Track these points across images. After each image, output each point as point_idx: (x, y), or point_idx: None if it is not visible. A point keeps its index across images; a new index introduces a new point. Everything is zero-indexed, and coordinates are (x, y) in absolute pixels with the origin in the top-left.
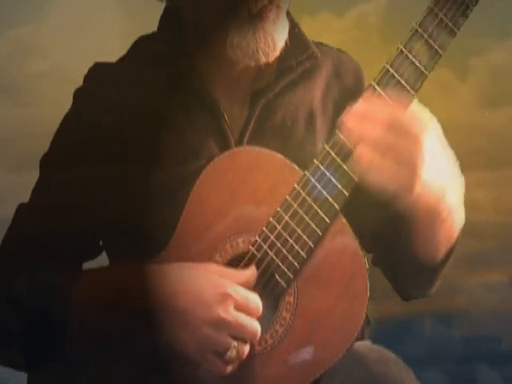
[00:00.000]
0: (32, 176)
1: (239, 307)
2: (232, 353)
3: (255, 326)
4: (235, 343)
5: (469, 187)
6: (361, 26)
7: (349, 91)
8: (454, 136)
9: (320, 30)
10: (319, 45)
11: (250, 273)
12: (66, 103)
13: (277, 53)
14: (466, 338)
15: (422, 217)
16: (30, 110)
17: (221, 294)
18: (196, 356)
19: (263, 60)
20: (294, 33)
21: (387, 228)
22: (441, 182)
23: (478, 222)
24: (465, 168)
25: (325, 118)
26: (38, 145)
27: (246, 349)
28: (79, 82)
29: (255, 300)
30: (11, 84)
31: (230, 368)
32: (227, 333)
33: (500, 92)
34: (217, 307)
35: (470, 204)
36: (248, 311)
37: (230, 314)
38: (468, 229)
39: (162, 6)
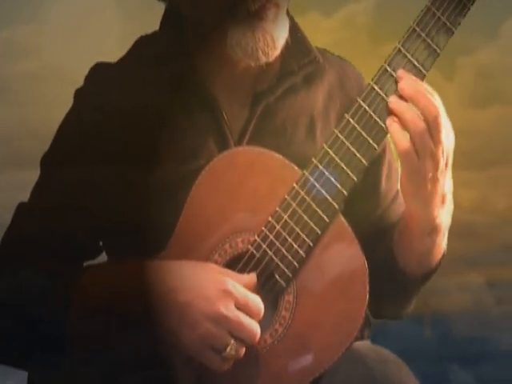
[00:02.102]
0: (14, 176)
1: (239, 306)
2: (230, 350)
3: (255, 327)
4: (233, 341)
5: (455, 187)
6: (349, 26)
7: (351, 102)
8: None
9: (309, 30)
10: (323, 51)
11: (250, 278)
12: (58, 103)
13: (277, 52)
14: (439, 338)
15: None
16: (21, 109)
17: (222, 290)
18: (194, 351)
19: (263, 59)
20: (297, 37)
21: (373, 234)
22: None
23: (459, 221)
24: (451, 168)
25: (325, 127)
26: (28, 144)
27: (244, 349)
28: (72, 82)
29: (256, 301)
30: (3, 84)
31: (226, 366)
32: (227, 330)
33: (487, 92)
34: (218, 303)
35: (454, 204)
36: (248, 311)
37: (231, 311)
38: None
39: (161, 6)
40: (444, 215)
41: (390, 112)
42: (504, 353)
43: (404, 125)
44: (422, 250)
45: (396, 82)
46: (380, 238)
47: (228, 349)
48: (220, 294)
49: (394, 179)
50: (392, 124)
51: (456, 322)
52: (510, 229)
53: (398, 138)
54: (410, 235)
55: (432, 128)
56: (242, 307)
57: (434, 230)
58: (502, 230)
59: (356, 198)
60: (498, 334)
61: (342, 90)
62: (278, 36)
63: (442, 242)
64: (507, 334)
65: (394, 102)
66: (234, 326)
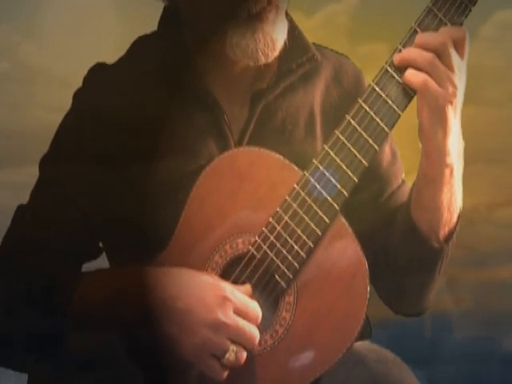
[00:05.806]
0: None
1: (238, 312)
2: (230, 356)
3: (254, 332)
4: (233, 347)
5: None
6: (330, 26)
7: (349, 95)
8: (416, 135)
9: None
10: (320, 47)
11: (244, 289)
12: (57, 104)
13: (276, 53)
14: (393, 338)
15: (432, 165)
16: (15, 110)
17: (221, 296)
18: (194, 358)
19: (262, 60)
20: (295, 35)
21: (381, 224)
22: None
23: None
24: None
25: (324, 121)
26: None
27: (244, 354)
28: (68, 83)
29: (254, 307)
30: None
31: (226, 373)
32: (226, 336)
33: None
34: (217, 310)
35: None
36: (247, 317)
37: (230, 317)
38: None
39: (159, 6)
40: (455, 157)
41: (399, 66)
42: (459, 354)
43: (413, 63)
44: (442, 199)
45: (398, 82)
46: (392, 221)
47: (227, 355)
48: (219, 300)
49: (398, 166)
50: (406, 73)
51: (410, 322)
52: (471, 229)
53: (412, 75)
54: (427, 184)
55: (441, 53)
56: (240, 313)
57: (449, 170)
58: (463, 231)
59: (360, 185)
60: (454, 335)
61: (339, 82)
62: (277, 37)
63: (459, 193)
64: (463, 334)
65: (397, 56)
66: (232, 332)
